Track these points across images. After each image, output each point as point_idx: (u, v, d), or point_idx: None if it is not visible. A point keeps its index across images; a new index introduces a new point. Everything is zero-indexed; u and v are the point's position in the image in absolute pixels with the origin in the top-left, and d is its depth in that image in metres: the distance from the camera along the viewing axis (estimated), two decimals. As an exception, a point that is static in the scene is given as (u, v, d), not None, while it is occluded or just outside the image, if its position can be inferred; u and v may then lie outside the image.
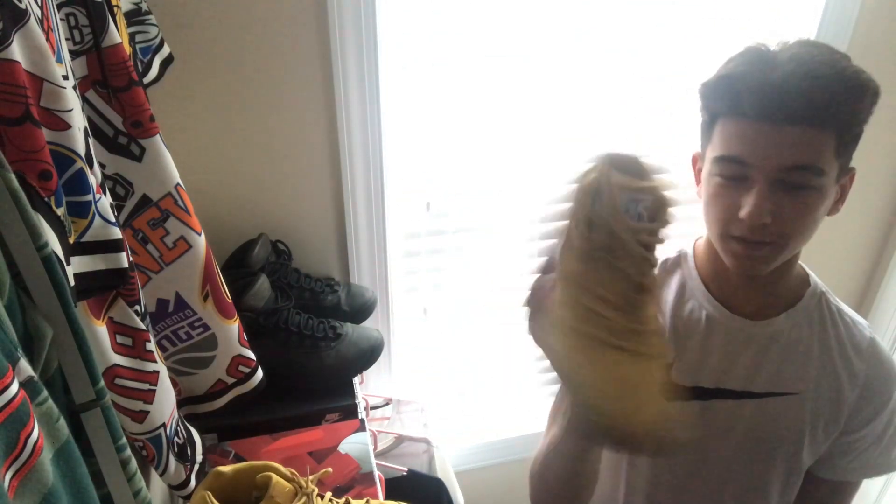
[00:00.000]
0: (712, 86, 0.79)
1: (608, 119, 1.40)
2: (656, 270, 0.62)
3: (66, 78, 0.60)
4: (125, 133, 0.77)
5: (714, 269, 0.91)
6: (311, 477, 0.80)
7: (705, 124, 0.83)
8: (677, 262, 0.98)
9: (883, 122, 1.53)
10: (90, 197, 0.62)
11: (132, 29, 0.95)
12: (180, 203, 0.84)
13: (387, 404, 1.50)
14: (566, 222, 0.66)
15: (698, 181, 0.88)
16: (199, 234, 0.88)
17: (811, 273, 0.93)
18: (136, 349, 0.74)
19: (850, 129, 0.75)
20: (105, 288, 0.68)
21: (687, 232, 1.01)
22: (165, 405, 0.80)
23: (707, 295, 0.91)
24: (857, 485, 0.97)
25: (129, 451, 0.62)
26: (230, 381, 0.98)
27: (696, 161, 0.89)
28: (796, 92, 0.71)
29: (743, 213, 0.76)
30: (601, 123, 1.40)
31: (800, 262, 0.91)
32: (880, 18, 1.40)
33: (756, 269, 0.82)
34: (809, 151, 0.73)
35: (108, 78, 0.73)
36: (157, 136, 0.80)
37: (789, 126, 0.73)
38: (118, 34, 0.74)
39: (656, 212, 0.59)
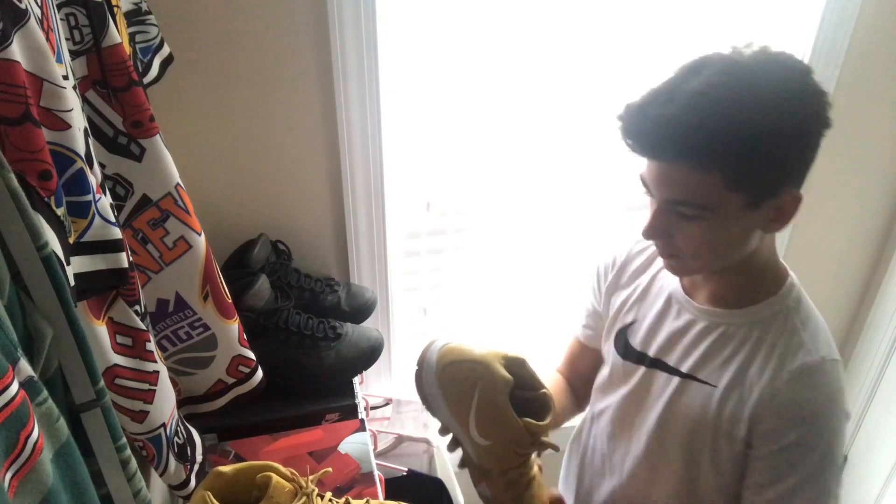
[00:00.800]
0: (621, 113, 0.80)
1: (608, 119, 1.40)
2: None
3: (66, 78, 0.60)
4: (125, 133, 0.77)
5: None
6: (311, 477, 0.80)
7: None
8: None
9: (883, 122, 1.53)
10: (90, 197, 0.62)
11: (132, 29, 0.95)
12: (180, 203, 0.84)
13: (387, 404, 1.50)
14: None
15: None
16: (199, 234, 0.87)
17: (792, 283, 0.90)
18: (136, 349, 0.75)
19: (740, 169, 0.73)
20: (105, 288, 0.68)
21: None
22: (165, 405, 0.80)
23: (676, 279, 0.96)
24: None
25: (129, 451, 0.62)
26: (230, 381, 0.98)
27: None
28: (666, 130, 0.73)
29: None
30: (601, 124, 1.40)
31: (787, 270, 0.91)
32: (880, 18, 1.40)
33: (676, 273, 0.90)
34: (689, 189, 0.76)
35: (108, 78, 0.73)
36: (157, 136, 0.80)
37: (668, 163, 0.76)
38: (118, 34, 0.74)
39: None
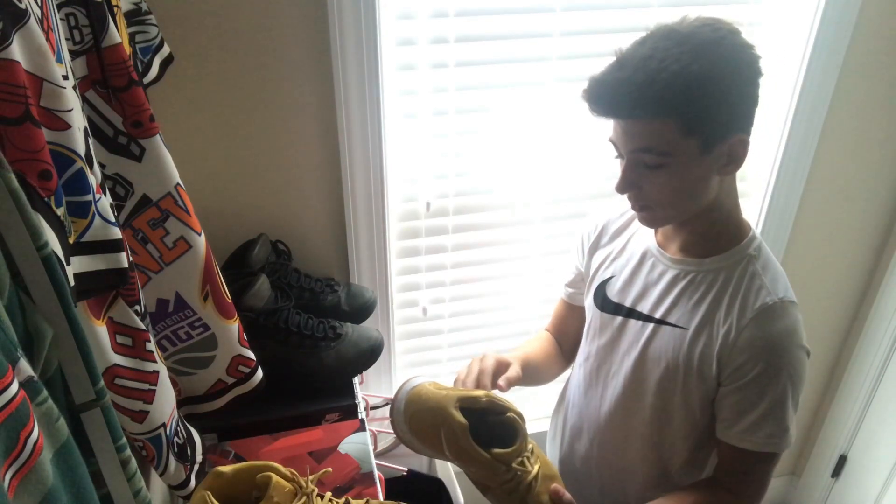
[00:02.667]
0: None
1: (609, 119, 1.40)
2: None
3: (66, 78, 0.60)
4: (125, 133, 0.77)
5: None
6: (311, 477, 0.80)
7: None
8: None
9: (883, 122, 1.53)
10: (90, 197, 0.62)
11: (132, 29, 0.95)
12: (180, 203, 0.84)
13: (387, 404, 1.49)
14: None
15: None
16: (199, 234, 0.87)
17: (754, 236, 0.99)
18: (135, 349, 0.75)
19: (690, 114, 0.83)
20: (105, 288, 0.68)
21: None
22: (165, 405, 0.80)
23: (651, 235, 1.06)
24: (757, 457, 0.97)
25: (129, 451, 0.62)
26: (230, 381, 0.98)
27: None
28: (620, 90, 0.84)
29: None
30: (601, 124, 1.40)
31: (749, 225, 1.00)
32: (880, 18, 1.40)
33: (649, 225, 0.99)
34: (648, 137, 0.86)
35: (108, 78, 0.73)
36: (157, 135, 0.80)
37: (626, 119, 0.87)
38: (118, 34, 0.74)
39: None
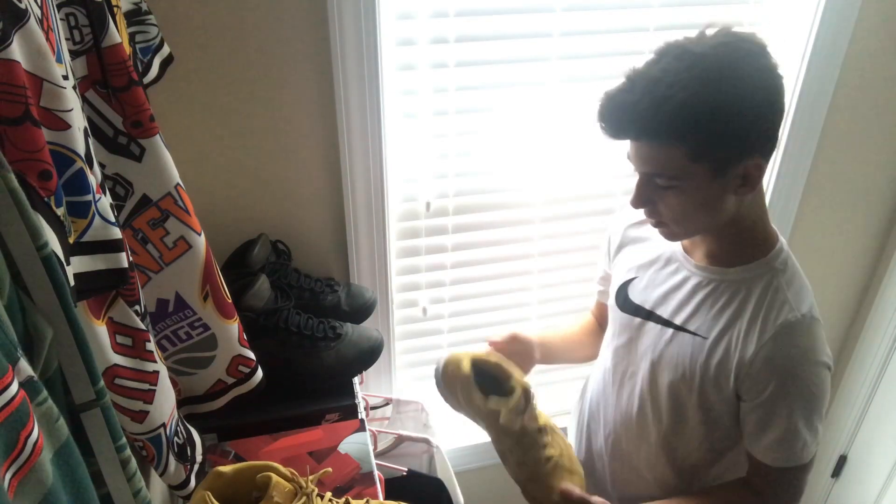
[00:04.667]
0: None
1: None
2: None
3: (66, 78, 0.60)
4: (125, 133, 0.77)
5: None
6: (310, 477, 0.80)
7: None
8: None
9: (883, 123, 1.53)
10: (90, 197, 0.62)
11: (132, 29, 0.95)
12: (180, 203, 0.84)
13: (387, 404, 1.50)
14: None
15: None
16: (199, 234, 0.87)
17: (782, 248, 0.96)
18: (135, 349, 0.75)
19: (697, 142, 0.82)
20: (105, 288, 0.68)
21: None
22: (165, 405, 0.80)
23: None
24: (783, 470, 0.97)
25: (128, 451, 0.62)
26: (230, 381, 0.98)
27: None
28: (626, 114, 0.84)
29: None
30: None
31: (778, 236, 0.98)
32: (880, 18, 1.40)
33: (667, 238, 0.98)
34: (659, 162, 0.86)
35: (108, 78, 0.73)
36: (157, 135, 0.80)
37: (635, 141, 0.87)
38: (118, 34, 0.74)
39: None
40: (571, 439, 1.29)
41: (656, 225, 0.96)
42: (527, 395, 1.04)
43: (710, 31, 0.84)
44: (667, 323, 1.02)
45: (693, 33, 0.85)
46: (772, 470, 0.98)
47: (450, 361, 1.11)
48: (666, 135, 0.82)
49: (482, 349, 1.13)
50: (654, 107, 0.81)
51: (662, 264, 1.05)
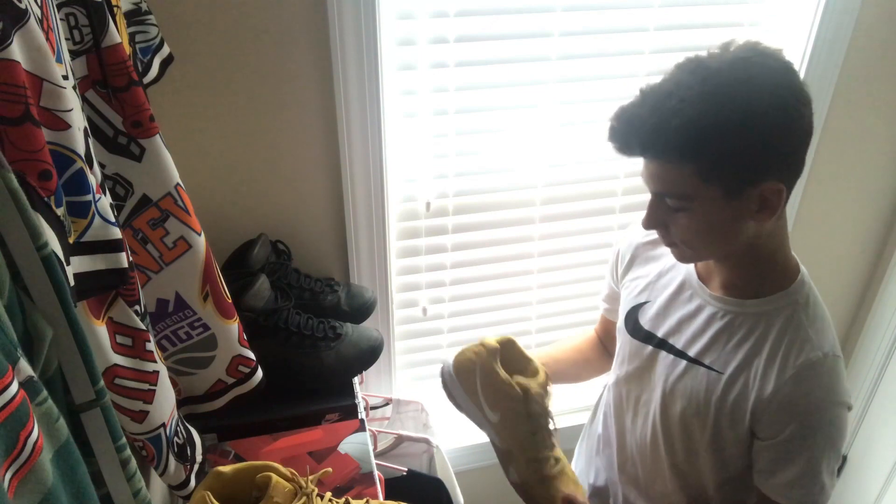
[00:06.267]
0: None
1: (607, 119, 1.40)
2: None
3: (66, 78, 0.60)
4: (125, 133, 0.77)
5: None
6: (310, 477, 0.80)
7: None
8: None
9: (883, 122, 1.53)
10: (90, 197, 0.62)
11: (132, 29, 0.95)
12: (180, 203, 0.84)
13: (387, 404, 1.50)
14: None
15: None
16: (199, 234, 0.87)
17: (804, 281, 0.92)
18: (135, 349, 0.75)
19: (706, 162, 0.78)
20: (105, 288, 0.68)
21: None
22: (165, 405, 0.80)
23: (692, 265, 1.00)
24: None
25: (128, 451, 0.62)
26: (230, 381, 0.98)
27: None
28: (633, 130, 0.81)
29: None
30: (600, 125, 1.40)
31: (800, 267, 0.92)
32: (881, 18, 1.40)
33: (680, 260, 0.94)
34: (668, 182, 0.82)
35: (108, 78, 0.73)
36: (157, 135, 0.80)
37: (649, 160, 0.83)
38: (118, 34, 0.74)
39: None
40: (580, 463, 1.27)
41: (668, 245, 0.92)
42: (547, 378, 1.03)
43: (733, 46, 0.79)
44: (680, 354, 0.97)
45: (717, 47, 0.80)
46: None
47: (465, 349, 1.06)
48: (673, 152, 0.79)
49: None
50: (661, 124, 0.77)
51: (676, 289, 1.00)
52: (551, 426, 1.04)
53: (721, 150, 0.77)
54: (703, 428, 0.96)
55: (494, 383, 1.01)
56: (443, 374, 1.09)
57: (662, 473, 1.05)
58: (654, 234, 1.04)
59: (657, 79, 0.81)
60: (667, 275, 1.02)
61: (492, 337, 1.05)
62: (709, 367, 0.94)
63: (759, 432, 0.92)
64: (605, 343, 1.24)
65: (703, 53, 0.80)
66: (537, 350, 1.22)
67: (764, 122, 0.76)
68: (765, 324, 0.90)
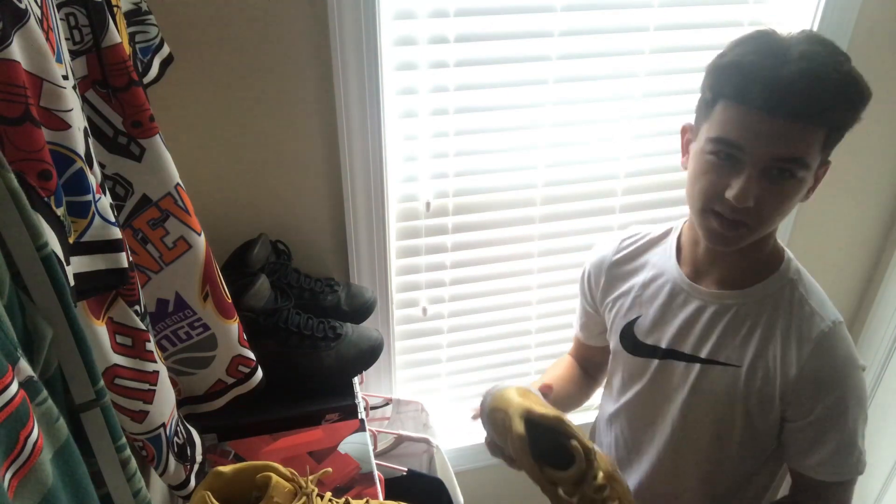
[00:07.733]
0: (722, 68, 0.82)
1: (608, 119, 1.40)
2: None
3: (66, 78, 0.60)
4: (125, 133, 0.77)
5: (690, 241, 0.98)
6: (310, 477, 0.80)
7: (706, 102, 0.86)
8: (663, 236, 1.05)
9: (883, 121, 1.53)
10: (90, 197, 0.62)
11: (132, 29, 0.95)
12: (180, 203, 0.84)
13: (387, 404, 1.50)
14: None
15: (685, 152, 0.93)
16: (199, 234, 0.87)
17: (789, 257, 0.94)
18: (135, 349, 0.74)
19: (841, 129, 0.82)
20: (105, 288, 0.68)
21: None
22: (165, 405, 0.80)
23: (677, 268, 0.98)
24: (835, 485, 0.94)
25: (128, 451, 0.62)
26: (230, 381, 0.98)
27: (686, 132, 0.93)
28: (804, 91, 0.76)
29: (730, 193, 0.81)
30: (599, 124, 1.40)
31: (782, 245, 0.95)
32: (881, 18, 1.40)
33: (728, 245, 0.88)
34: (802, 145, 0.79)
35: (108, 78, 0.73)
36: (157, 135, 0.80)
37: (790, 121, 0.77)
38: (118, 34, 0.74)
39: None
40: None
41: (732, 226, 0.84)
42: (588, 457, 0.86)
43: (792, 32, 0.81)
44: (691, 358, 0.96)
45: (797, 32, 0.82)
46: (827, 485, 0.93)
47: (498, 408, 0.93)
48: (821, 116, 0.78)
49: (527, 390, 0.96)
50: (815, 86, 0.76)
51: (667, 297, 0.99)
52: (598, 485, 0.87)
53: (851, 123, 0.81)
54: (732, 423, 0.95)
55: (523, 463, 0.89)
56: (482, 415, 0.99)
57: (686, 477, 1.04)
58: (623, 251, 1.05)
59: (772, 38, 0.80)
60: (651, 285, 1.01)
61: (521, 409, 0.89)
62: (725, 364, 0.94)
63: (790, 415, 0.92)
64: (585, 368, 1.23)
65: (773, 27, 0.82)
66: (536, 377, 1.19)
67: (867, 103, 0.81)
68: (770, 307, 0.91)
